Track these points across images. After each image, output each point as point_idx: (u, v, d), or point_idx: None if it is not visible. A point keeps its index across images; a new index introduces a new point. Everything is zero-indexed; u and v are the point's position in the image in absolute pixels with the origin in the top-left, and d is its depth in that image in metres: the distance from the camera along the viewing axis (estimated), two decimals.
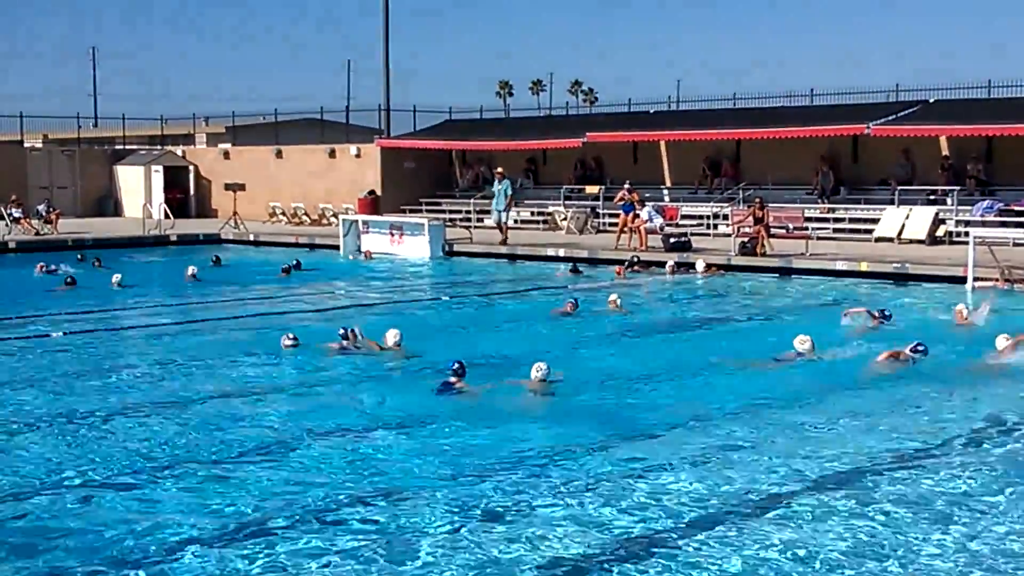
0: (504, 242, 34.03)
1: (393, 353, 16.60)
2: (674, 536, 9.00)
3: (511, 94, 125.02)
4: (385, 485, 10.39)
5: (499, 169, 36.71)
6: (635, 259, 29.52)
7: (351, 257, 34.38)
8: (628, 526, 9.24)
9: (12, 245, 36.63)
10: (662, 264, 29.00)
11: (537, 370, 14.40)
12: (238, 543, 8.85)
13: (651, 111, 44.25)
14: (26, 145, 52.80)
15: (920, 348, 16.00)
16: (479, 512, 9.61)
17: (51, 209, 41.50)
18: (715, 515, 9.51)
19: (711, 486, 10.23)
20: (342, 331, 17.41)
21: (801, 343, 16.26)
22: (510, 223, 36.20)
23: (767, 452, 11.44)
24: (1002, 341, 16.32)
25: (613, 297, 21.87)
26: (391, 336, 16.83)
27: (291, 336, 17.49)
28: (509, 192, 35.01)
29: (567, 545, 8.80)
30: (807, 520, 9.31)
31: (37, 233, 39.31)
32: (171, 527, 9.17)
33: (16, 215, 40.55)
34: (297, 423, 12.78)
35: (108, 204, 50.79)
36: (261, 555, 8.59)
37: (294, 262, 29.42)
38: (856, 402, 13.80)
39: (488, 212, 36.74)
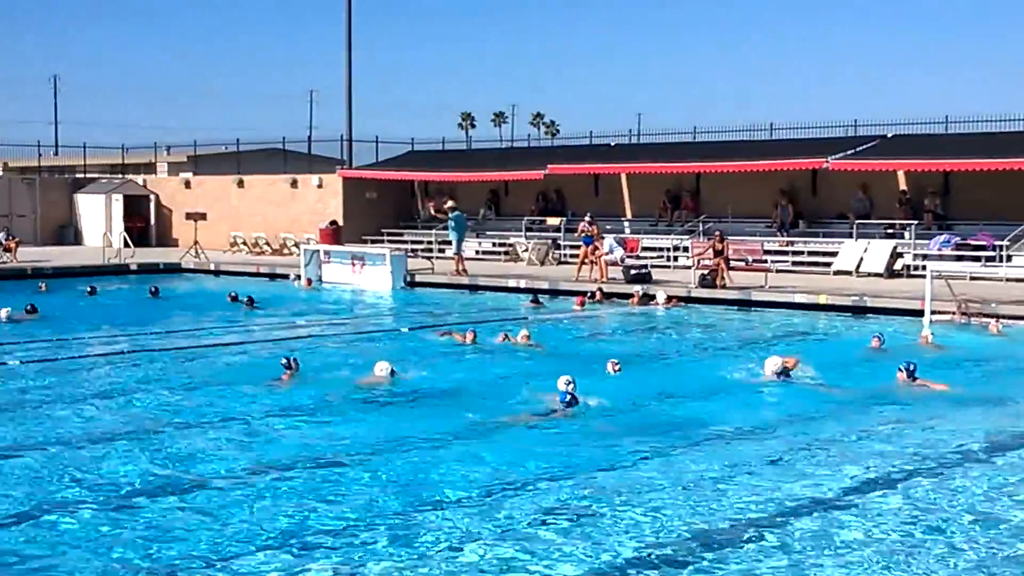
0: (457, 272, 34.10)
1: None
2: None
3: (473, 125, 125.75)
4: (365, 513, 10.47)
5: (451, 203, 36.83)
6: (599, 290, 29.62)
7: (296, 284, 34.44)
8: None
9: None
10: (623, 296, 29.16)
11: (565, 383, 14.90)
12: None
13: (612, 144, 44.49)
14: None
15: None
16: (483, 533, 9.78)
17: (10, 237, 41.29)
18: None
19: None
20: (284, 360, 17.62)
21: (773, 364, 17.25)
22: (468, 254, 36.26)
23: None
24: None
25: (524, 332, 21.35)
26: (380, 368, 16.86)
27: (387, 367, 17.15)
28: (459, 223, 35.13)
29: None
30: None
31: None
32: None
33: None
34: (273, 452, 12.82)
35: (68, 233, 50.55)
36: None
37: (232, 293, 29.21)
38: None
39: (450, 243, 36.67)
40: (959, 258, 31.75)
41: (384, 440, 13.40)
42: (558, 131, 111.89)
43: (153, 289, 31.26)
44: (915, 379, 16.77)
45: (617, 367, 17.70)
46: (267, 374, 17.62)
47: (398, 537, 9.71)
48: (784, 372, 17.19)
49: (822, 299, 27.46)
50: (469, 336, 21.37)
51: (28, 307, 25.84)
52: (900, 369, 16.90)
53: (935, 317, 24.46)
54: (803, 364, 17.80)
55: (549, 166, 40.25)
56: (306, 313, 27.76)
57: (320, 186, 45.70)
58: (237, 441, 13.39)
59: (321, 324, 25.92)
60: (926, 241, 32.99)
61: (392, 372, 16.86)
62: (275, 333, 23.83)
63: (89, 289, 31.00)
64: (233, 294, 29.18)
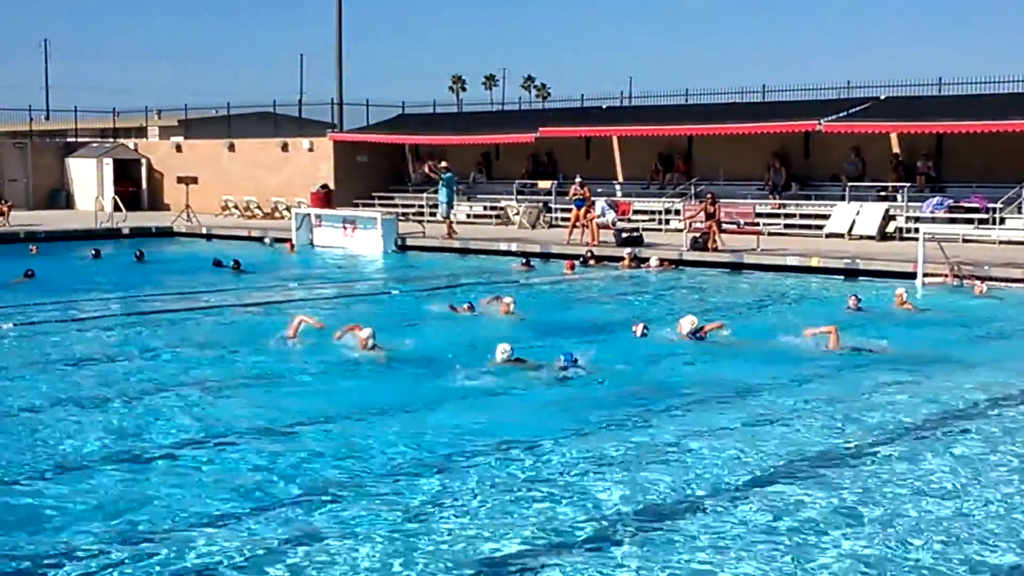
0: (448, 236, 34.03)
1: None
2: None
3: (464, 89, 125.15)
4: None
5: (444, 163, 36.75)
6: (589, 253, 29.60)
7: (269, 244, 34.47)
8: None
9: None
10: (614, 259, 29.14)
11: (502, 352, 14.92)
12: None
13: (603, 107, 44.32)
14: None
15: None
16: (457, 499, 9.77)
17: (2, 201, 41.19)
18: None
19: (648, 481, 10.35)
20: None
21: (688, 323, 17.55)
22: (460, 217, 36.25)
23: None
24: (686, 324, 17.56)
25: (508, 300, 20.48)
26: (365, 333, 16.41)
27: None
28: (449, 186, 35.12)
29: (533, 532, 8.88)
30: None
31: None
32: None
33: None
34: (267, 411, 12.87)
35: (60, 197, 50.46)
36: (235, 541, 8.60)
37: (216, 259, 29.09)
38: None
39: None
40: (952, 220, 31.74)
41: (381, 400, 13.46)
42: (549, 94, 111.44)
43: (138, 253, 30.93)
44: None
45: (643, 330, 17.72)
46: (253, 337, 17.63)
47: (397, 496, 9.75)
48: (696, 332, 17.38)
49: (814, 262, 27.43)
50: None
51: (27, 272, 25.74)
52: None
53: (927, 279, 24.49)
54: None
55: (540, 129, 40.15)
56: (294, 277, 27.71)
57: (311, 150, 45.58)
58: (218, 404, 13.41)
59: (310, 288, 25.90)
60: (919, 203, 32.95)
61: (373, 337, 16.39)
62: (263, 297, 23.78)
63: (93, 252, 30.96)
64: (217, 260, 29.05)
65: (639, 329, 17.84)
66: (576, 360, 14.91)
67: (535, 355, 15.60)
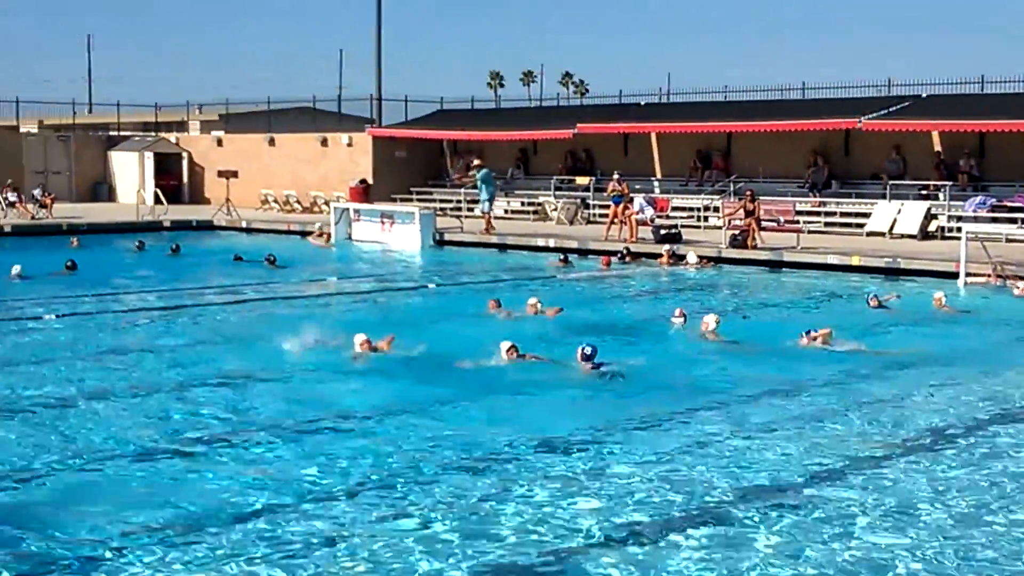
0: (486, 231, 34.04)
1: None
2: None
3: (502, 85, 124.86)
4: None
5: (476, 161, 36.73)
6: (627, 250, 29.55)
7: (312, 242, 34.56)
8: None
9: (8, 229, 36.90)
10: (652, 256, 29.04)
11: (504, 350, 14.98)
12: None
13: (642, 103, 44.12)
14: (22, 130, 53.12)
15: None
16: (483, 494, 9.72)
17: (46, 194, 41.55)
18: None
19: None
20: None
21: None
22: (498, 213, 36.29)
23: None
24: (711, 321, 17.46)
25: (533, 300, 20.06)
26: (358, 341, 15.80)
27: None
28: (487, 182, 35.09)
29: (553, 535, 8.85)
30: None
31: (33, 217, 39.45)
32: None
33: (11, 199, 40.92)
34: (287, 411, 12.84)
35: (102, 190, 50.81)
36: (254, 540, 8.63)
37: (233, 256, 29.20)
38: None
39: (478, 202, 36.65)
40: (994, 220, 31.47)
41: (406, 399, 13.48)
42: (587, 90, 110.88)
43: (174, 247, 31.07)
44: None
45: (682, 319, 17.65)
46: (277, 333, 17.48)
47: (433, 492, 9.73)
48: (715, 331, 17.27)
49: (855, 260, 27.24)
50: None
51: (68, 263, 25.94)
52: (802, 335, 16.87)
53: (970, 280, 24.28)
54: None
55: (578, 125, 40.04)
56: (331, 272, 27.78)
57: (350, 145, 45.70)
58: (229, 401, 13.40)
59: (347, 282, 25.97)
60: (961, 203, 32.67)
61: (367, 343, 15.81)
62: (299, 292, 23.86)
63: (138, 244, 31.21)
64: (238, 255, 29.17)
65: (678, 319, 17.71)
66: (596, 353, 14.61)
67: (569, 351, 15.47)
